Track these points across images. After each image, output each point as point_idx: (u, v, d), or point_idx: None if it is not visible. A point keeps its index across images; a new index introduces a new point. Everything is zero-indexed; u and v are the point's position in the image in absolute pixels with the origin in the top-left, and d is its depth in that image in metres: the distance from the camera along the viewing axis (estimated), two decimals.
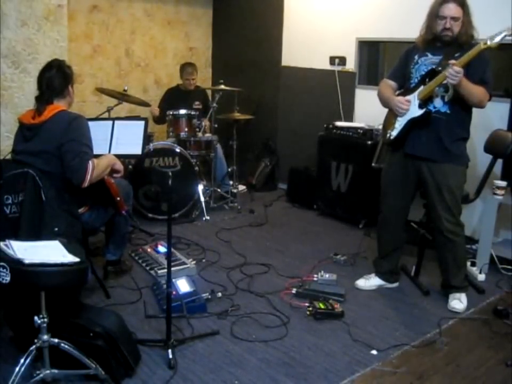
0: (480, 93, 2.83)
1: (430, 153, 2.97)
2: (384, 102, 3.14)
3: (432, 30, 2.93)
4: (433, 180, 2.99)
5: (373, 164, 4.19)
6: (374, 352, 2.61)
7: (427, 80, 2.90)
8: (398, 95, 3.07)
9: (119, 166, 2.93)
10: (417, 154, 3.01)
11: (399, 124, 3.04)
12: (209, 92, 5.70)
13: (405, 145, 3.05)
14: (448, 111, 2.93)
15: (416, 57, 3.02)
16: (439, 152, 2.95)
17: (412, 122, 2.97)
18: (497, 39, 2.62)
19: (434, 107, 2.94)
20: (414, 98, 2.96)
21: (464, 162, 3.04)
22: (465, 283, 3.18)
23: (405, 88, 3.09)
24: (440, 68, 2.85)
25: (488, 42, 2.65)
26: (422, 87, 2.92)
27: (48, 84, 2.73)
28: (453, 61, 2.71)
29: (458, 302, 3.07)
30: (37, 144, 2.65)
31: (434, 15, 2.90)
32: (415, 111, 2.95)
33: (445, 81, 2.81)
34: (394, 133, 3.08)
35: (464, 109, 2.94)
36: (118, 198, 2.88)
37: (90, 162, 2.63)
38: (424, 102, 2.92)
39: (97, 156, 2.84)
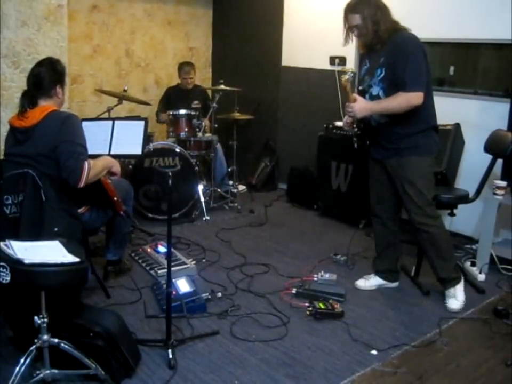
0: (396, 103, 2.79)
1: (384, 155, 3.03)
2: None
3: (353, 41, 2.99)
4: (395, 175, 3.02)
5: None
6: (374, 352, 2.61)
7: None
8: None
9: (116, 168, 2.90)
10: (376, 157, 3.10)
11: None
12: (209, 92, 5.70)
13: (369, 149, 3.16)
14: (388, 120, 2.93)
15: (363, 64, 3.09)
16: (392, 151, 2.98)
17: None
18: (347, 77, 2.99)
19: (374, 120, 2.99)
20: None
21: (421, 152, 2.93)
22: (454, 274, 3.08)
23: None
24: (360, 88, 3.01)
25: (345, 77, 3.00)
26: None
27: (34, 80, 2.68)
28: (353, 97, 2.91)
29: (454, 300, 3.06)
30: (32, 147, 2.60)
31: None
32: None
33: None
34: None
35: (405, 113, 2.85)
36: (115, 198, 2.87)
37: (86, 163, 2.58)
38: (360, 120, 3.02)
39: (97, 156, 2.84)
